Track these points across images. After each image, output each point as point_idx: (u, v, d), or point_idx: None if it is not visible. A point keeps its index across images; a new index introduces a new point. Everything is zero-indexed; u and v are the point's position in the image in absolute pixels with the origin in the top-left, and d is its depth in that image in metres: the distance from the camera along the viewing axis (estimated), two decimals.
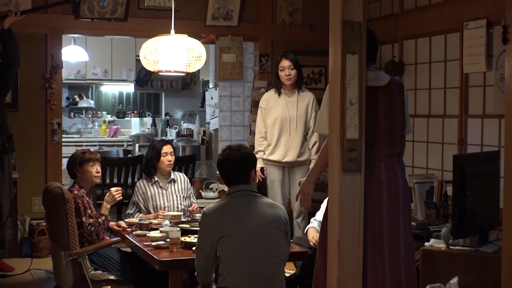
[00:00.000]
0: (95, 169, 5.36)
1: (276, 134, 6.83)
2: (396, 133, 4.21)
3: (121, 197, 5.51)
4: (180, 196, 6.12)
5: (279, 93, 6.87)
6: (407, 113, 4.36)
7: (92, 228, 5.16)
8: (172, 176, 6.15)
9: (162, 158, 6.03)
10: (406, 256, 4.15)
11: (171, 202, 6.06)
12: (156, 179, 6.08)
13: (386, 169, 4.07)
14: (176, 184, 6.15)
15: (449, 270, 4.65)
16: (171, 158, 6.09)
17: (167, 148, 6.07)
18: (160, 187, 6.08)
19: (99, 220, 5.24)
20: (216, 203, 4.21)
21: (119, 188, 5.53)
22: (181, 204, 6.09)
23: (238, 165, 4.14)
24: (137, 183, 6.16)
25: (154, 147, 6.11)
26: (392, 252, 4.06)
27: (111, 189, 5.48)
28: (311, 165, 6.72)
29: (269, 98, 6.94)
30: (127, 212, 6.10)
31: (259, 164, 6.76)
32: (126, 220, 5.71)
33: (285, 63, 6.82)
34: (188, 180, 6.32)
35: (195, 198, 6.40)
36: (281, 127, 6.82)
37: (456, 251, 4.76)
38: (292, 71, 6.81)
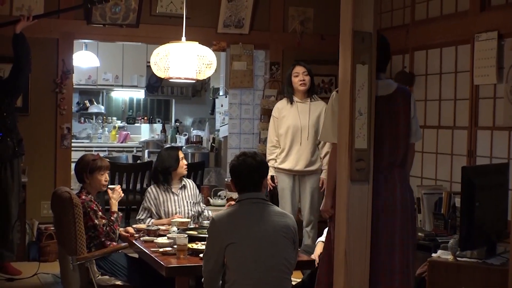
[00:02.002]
0: (105, 178, 5.38)
1: (288, 143, 6.84)
2: (400, 143, 4.18)
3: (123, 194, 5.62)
4: (190, 202, 6.14)
5: (291, 102, 6.88)
6: (416, 121, 4.32)
7: (107, 228, 5.19)
8: (183, 182, 6.18)
9: (180, 162, 6.08)
10: (401, 264, 4.14)
11: (182, 208, 6.08)
12: (168, 184, 6.11)
13: (384, 180, 4.05)
14: (186, 191, 6.17)
15: (456, 281, 4.65)
16: (185, 161, 6.18)
17: (181, 153, 6.15)
18: (172, 193, 6.09)
19: (112, 218, 5.26)
20: (226, 210, 4.22)
21: (118, 186, 5.64)
22: (191, 210, 6.11)
23: (252, 172, 4.14)
24: (148, 189, 6.16)
25: (170, 154, 6.12)
26: (386, 260, 4.05)
27: (112, 186, 5.50)
28: (322, 175, 6.75)
29: (281, 107, 6.95)
30: (137, 218, 6.11)
31: (270, 173, 6.78)
32: (134, 226, 5.72)
33: (299, 69, 6.85)
34: (197, 187, 6.35)
35: (204, 204, 6.41)
36: (293, 136, 6.82)
37: (463, 262, 4.75)
38: (306, 77, 6.84)
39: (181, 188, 6.15)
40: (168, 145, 11.13)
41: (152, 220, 5.99)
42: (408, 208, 4.26)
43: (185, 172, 6.18)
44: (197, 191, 6.30)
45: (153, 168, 6.36)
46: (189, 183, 6.27)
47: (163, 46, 5.75)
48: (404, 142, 4.20)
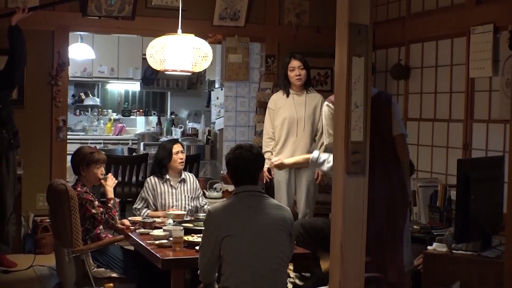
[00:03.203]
0: (101, 171, 5.37)
1: (284, 134, 6.83)
2: (387, 139, 4.30)
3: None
4: (188, 196, 6.13)
5: (287, 94, 6.87)
6: (397, 118, 4.63)
7: (106, 216, 5.18)
8: (183, 176, 6.18)
9: (173, 156, 6.06)
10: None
11: (179, 202, 6.08)
12: (167, 177, 6.10)
13: (380, 173, 4.14)
14: (186, 185, 6.16)
15: (451, 274, 4.66)
16: (182, 156, 6.13)
17: (177, 147, 6.11)
18: (171, 185, 6.09)
19: (109, 205, 5.26)
20: (222, 202, 4.20)
21: (110, 174, 5.64)
22: (188, 205, 6.11)
23: (248, 165, 4.13)
24: (148, 179, 6.16)
25: (164, 147, 6.13)
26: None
27: (106, 176, 5.49)
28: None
29: (277, 99, 6.94)
30: (134, 206, 6.11)
31: (266, 165, 6.76)
32: (130, 218, 5.72)
33: (295, 63, 6.82)
34: (197, 181, 6.34)
35: (204, 200, 6.39)
36: (289, 128, 6.81)
37: (459, 255, 4.76)
38: (302, 71, 6.81)
39: (180, 182, 6.14)
40: (164, 138, 11.15)
41: (148, 211, 5.99)
42: (403, 197, 4.33)
43: (180, 167, 6.13)
44: (197, 185, 6.29)
45: (153, 159, 6.38)
46: (190, 177, 6.26)
47: (159, 39, 5.72)
48: (390, 138, 4.34)
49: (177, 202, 6.07)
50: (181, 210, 5.97)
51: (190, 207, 6.10)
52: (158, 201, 6.04)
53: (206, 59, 5.77)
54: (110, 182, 5.43)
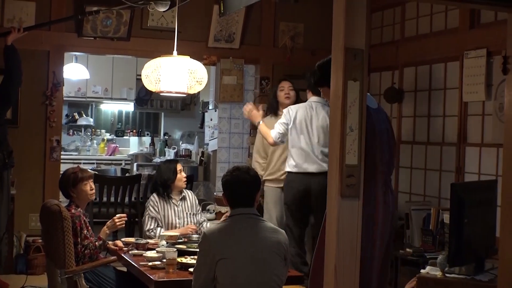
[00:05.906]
0: (89, 187, 5.34)
1: (276, 157, 6.85)
2: None
3: (123, 225, 5.50)
4: (189, 213, 6.16)
5: (276, 115, 6.92)
6: None
7: (86, 251, 5.09)
8: (183, 194, 6.21)
9: (178, 175, 6.09)
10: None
11: (182, 219, 6.10)
12: (170, 195, 6.13)
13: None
14: (186, 202, 6.20)
15: None
16: (184, 174, 6.22)
17: (179, 166, 6.19)
18: (173, 203, 6.11)
19: (96, 243, 5.20)
20: (217, 225, 4.20)
21: (123, 216, 5.48)
22: (191, 222, 6.13)
23: (246, 187, 4.14)
24: (151, 198, 6.14)
25: (168, 167, 6.15)
26: None
27: (115, 216, 5.46)
28: None
29: (267, 122, 6.95)
30: (147, 228, 6.01)
31: None
32: (123, 239, 5.70)
33: (285, 83, 6.98)
34: (196, 197, 6.36)
35: (203, 217, 6.40)
36: (282, 150, 6.84)
37: (452, 279, 4.75)
38: (291, 91, 6.93)
39: (181, 200, 6.18)
40: (158, 159, 11.16)
41: (163, 230, 5.96)
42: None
43: (184, 185, 6.21)
44: (196, 201, 6.32)
45: (153, 181, 6.37)
46: (189, 194, 6.30)
47: (155, 60, 5.73)
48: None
49: (180, 220, 6.09)
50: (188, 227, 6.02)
51: (193, 223, 6.14)
52: (162, 219, 6.05)
53: (201, 83, 5.78)
54: (110, 225, 5.36)
